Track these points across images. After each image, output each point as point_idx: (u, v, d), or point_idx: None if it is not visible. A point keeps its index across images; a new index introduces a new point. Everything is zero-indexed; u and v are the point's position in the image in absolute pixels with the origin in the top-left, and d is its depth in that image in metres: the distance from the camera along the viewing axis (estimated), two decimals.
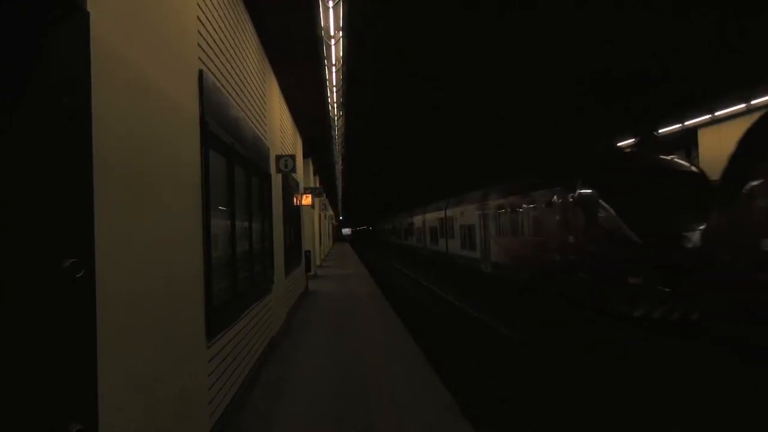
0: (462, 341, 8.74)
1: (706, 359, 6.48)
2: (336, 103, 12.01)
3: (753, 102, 12.03)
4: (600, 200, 9.16)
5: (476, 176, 24.00)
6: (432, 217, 26.74)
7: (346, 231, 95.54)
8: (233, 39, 4.44)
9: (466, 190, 21.37)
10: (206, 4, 3.50)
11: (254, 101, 5.51)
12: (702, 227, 7.52)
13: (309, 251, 12.89)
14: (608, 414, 5.11)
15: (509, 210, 14.09)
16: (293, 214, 9.39)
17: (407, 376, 4.82)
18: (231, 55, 4.31)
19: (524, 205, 12.87)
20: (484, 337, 9.05)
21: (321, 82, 8.25)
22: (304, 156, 13.21)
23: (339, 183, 29.54)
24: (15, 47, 1.48)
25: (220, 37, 3.89)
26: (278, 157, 7.17)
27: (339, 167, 23.17)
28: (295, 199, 9.63)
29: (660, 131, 15.73)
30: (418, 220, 32.10)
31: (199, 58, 3.25)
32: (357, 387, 4.55)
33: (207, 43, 3.48)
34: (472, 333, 9.52)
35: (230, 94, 4.20)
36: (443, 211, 23.57)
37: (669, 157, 10.08)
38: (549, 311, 10.82)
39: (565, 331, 8.95)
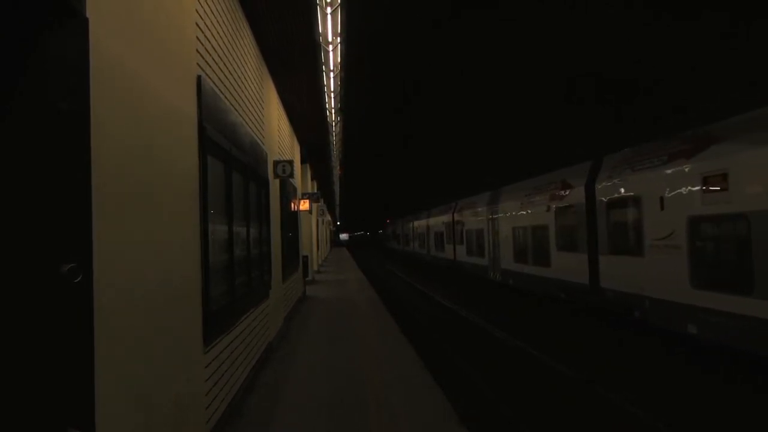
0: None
1: None
2: (334, 108, 12.07)
3: None
4: None
5: (488, 175, 20.02)
6: (525, 206, 13.20)
7: (343, 236, 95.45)
8: (232, 45, 4.46)
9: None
10: (205, 10, 3.52)
11: (252, 106, 5.53)
12: None
13: (306, 256, 12.88)
14: None
15: None
16: (291, 219, 9.39)
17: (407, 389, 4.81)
18: (229, 60, 4.33)
19: None
20: None
21: (319, 88, 8.29)
22: (302, 161, 13.24)
23: (336, 188, 29.56)
24: (13, 52, 1.49)
25: (218, 43, 3.91)
26: (276, 163, 7.18)
27: (336, 172, 23.17)
28: (292, 204, 9.63)
29: None
30: (474, 217, 18.29)
31: (198, 64, 3.26)
32: (355, 391, 4.54)
33: (205, 48, 3.49)
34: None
35: (228, 100, 4.21)
36: (581, 188, 10.12)
37: None
38: None
39: None
